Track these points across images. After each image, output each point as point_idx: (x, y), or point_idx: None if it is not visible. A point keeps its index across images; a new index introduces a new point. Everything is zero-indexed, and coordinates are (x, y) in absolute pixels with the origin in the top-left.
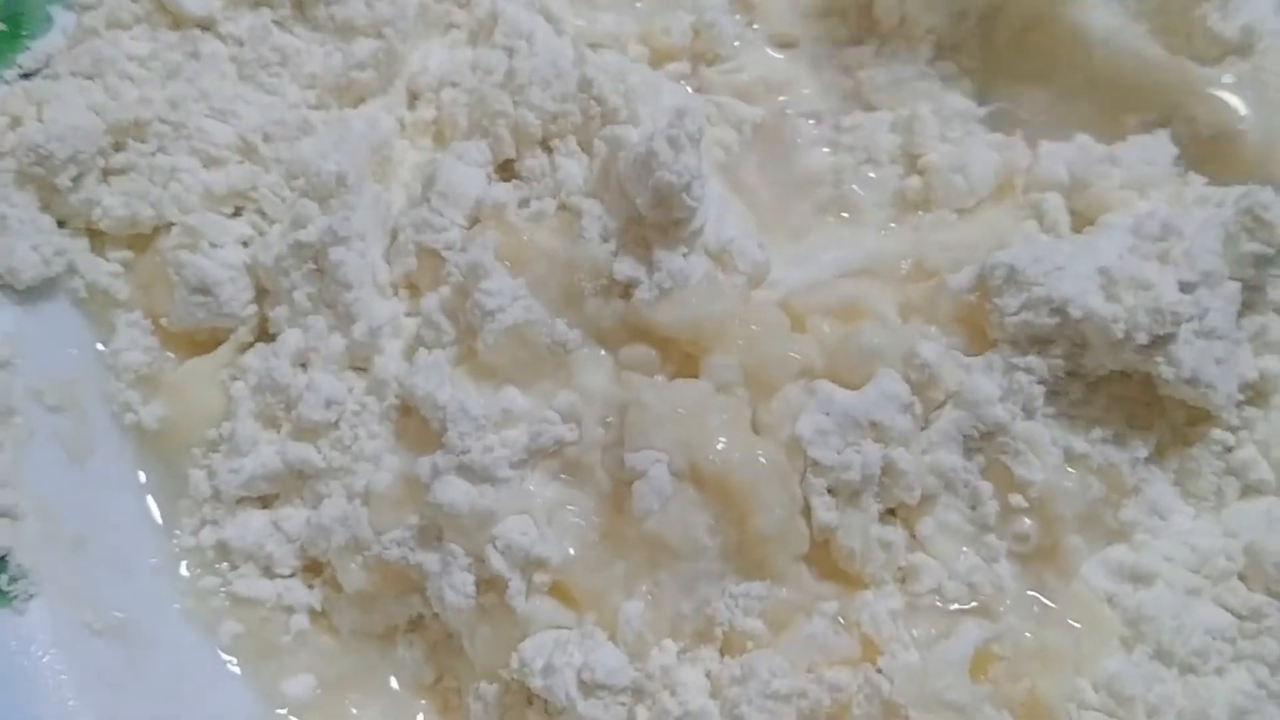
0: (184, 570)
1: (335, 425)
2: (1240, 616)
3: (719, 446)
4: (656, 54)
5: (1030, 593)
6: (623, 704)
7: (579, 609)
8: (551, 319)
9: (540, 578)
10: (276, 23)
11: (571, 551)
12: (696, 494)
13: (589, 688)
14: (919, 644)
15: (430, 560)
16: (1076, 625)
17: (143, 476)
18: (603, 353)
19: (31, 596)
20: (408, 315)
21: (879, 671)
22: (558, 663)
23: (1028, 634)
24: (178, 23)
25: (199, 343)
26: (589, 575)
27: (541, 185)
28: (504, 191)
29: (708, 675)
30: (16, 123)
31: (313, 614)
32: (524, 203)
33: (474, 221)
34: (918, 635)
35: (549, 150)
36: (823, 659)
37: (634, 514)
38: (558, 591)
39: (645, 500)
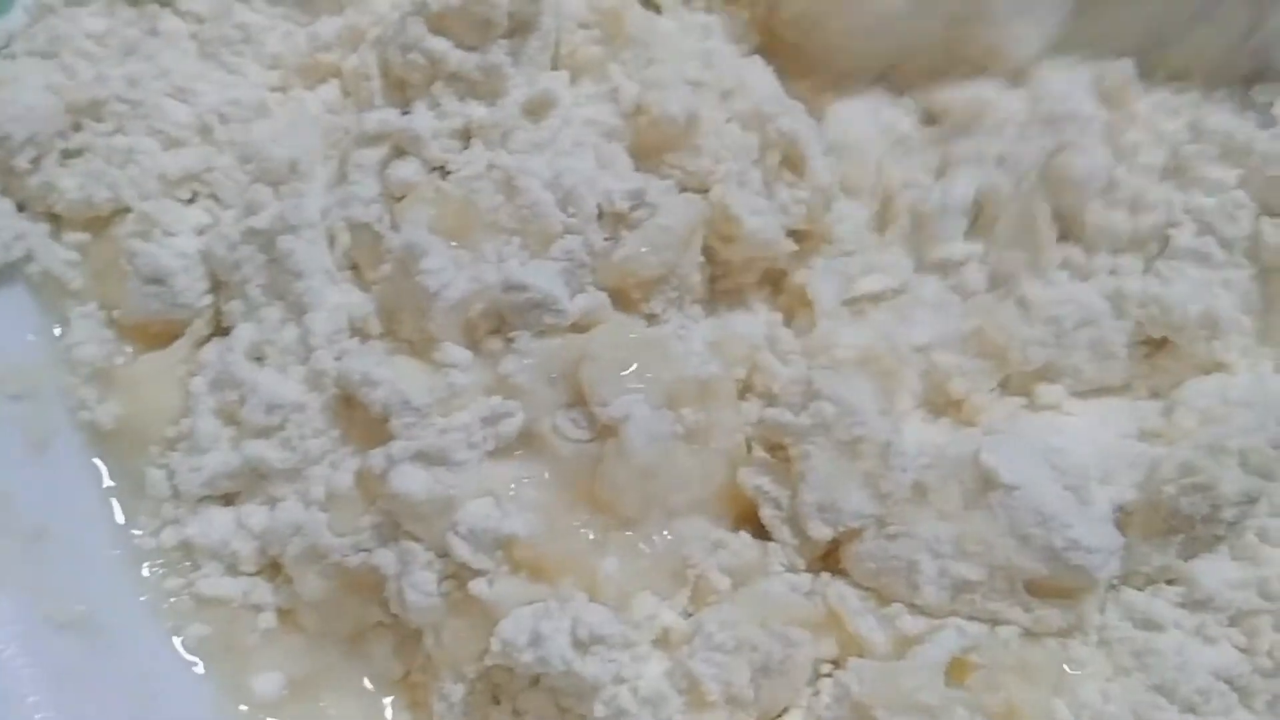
0: (145, 571)
1: (281, 426)
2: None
3: (694, 364)
4: None
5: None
6: (614, 659)
7: (551, 579)
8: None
9: (506, 557)
10: None
11: (538, 522)
12: (677, 416)
13: (584, 645)
14: (889, 637)
15: (388, 561)
16: (1060, 644)
17: (102, 468)
18: None
19: None
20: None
21: (848, 671)
22: (545, 630)
23: (1009, 645)
24: None
25: (154, 335)
26: (559, 542)
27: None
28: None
29: (666, 631)
30: None
31: (280, 612)
32: (442, 168)
33: (390, 192)
34: (887, 627)
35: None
36: (779, 616)
37: (626, 458)
38: (525, 568)
39: (636, 439)
